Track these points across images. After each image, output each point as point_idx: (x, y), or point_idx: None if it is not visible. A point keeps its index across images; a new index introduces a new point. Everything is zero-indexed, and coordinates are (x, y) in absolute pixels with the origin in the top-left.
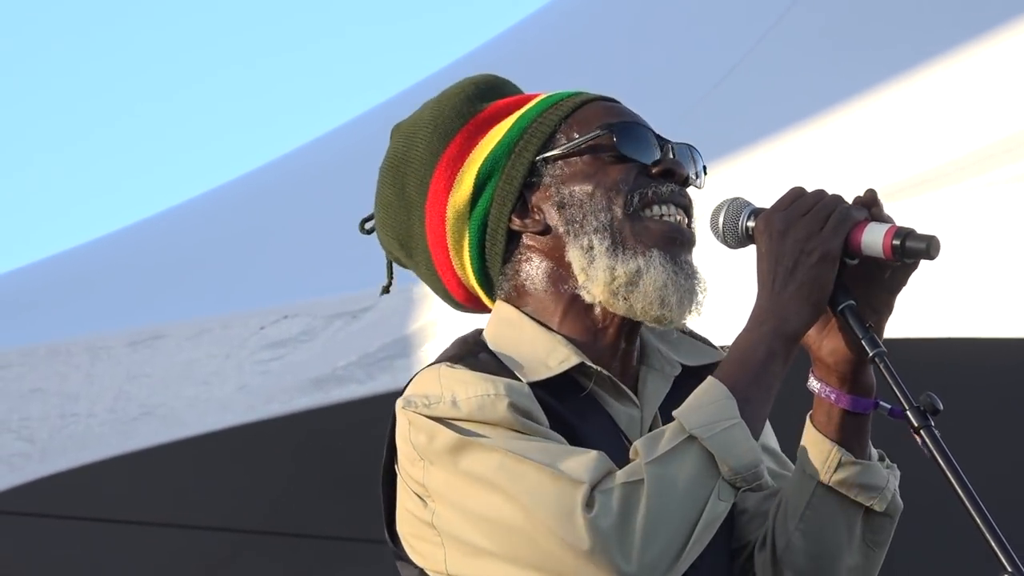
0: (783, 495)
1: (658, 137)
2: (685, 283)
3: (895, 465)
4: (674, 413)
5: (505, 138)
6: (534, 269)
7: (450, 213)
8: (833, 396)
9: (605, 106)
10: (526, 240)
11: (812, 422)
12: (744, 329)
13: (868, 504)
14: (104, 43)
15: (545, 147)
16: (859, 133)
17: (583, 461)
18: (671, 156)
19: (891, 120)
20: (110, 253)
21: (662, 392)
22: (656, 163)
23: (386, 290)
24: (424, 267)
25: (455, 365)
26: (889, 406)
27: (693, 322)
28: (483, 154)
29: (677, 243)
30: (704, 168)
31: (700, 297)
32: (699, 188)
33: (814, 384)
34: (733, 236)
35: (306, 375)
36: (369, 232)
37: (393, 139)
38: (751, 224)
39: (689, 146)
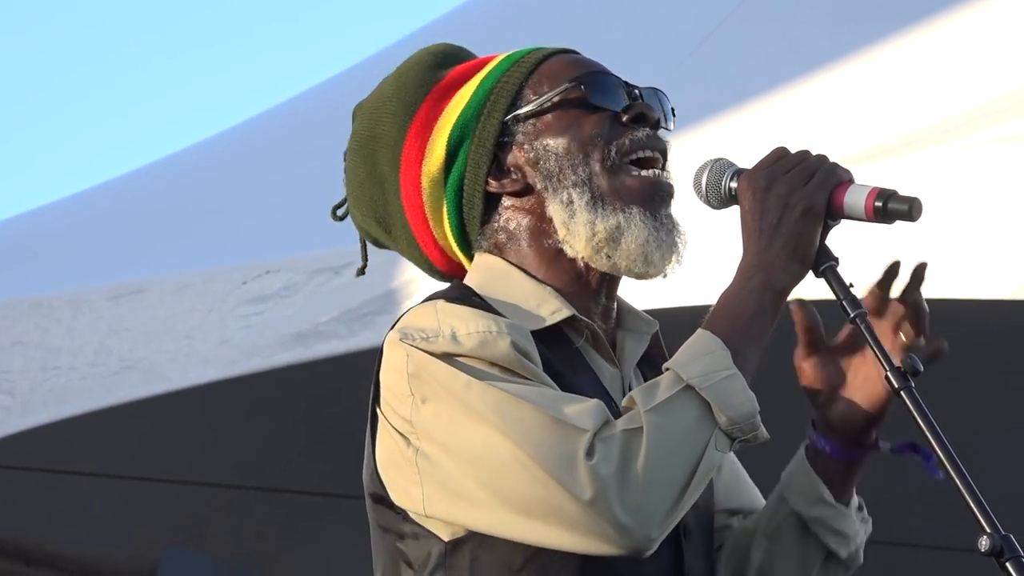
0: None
1: (625, 84)
2: (666, 238)
3: (870, 519)
4: (668, 364)
5: (472, 101)
6: (515, 227)
7: (425, 182)
8: (828, 448)
9: (568, 58)
10: (505, 200)
11: (806, 450)
12: (731, 284)
13: (833, 548)
14: (91, 9)
15: (514, 105)
16: (840, 96)
17: (584, 408)
18: (640, 100)
19: (872, 83)
20: (93, 207)
21: (638, 352)
22: (626, 109)
23: (361, 271)
24: (404, 240)
25: (452, 302)
26: (885, 446)
27: (678, 272)
28: (451, 119)
29: (657, 198)
30: (672, 110)
31: (681, 249)
32: (669, 130)
33: (811, 434)
34: (716, 197)
35: (288, 330)
36: (341, 218)
37: (357, 120)
38: (734, 184)
39: (655, 89)
